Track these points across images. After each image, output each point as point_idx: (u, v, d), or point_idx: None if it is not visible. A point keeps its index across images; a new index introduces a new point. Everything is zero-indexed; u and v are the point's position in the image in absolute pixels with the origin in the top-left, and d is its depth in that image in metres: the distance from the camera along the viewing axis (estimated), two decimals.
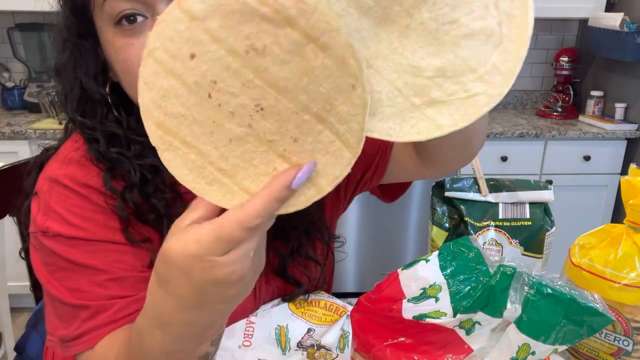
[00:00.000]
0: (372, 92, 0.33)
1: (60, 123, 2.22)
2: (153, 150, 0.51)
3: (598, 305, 0.47)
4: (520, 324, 0.48)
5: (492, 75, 0.32)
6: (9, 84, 2.54)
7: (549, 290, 0.47)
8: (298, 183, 0.37)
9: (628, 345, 0.64)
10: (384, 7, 0.33)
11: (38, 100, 2.32)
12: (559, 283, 0.49)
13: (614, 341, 0.64)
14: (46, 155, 0.69)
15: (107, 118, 0.64)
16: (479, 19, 0.31)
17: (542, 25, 2.81)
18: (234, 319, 0.70)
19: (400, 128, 0.33)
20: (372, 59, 0.34)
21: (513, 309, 0.48)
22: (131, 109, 0.64)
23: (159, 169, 0.64)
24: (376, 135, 0.34)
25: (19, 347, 0.97)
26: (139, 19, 0.56)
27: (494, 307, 0.49)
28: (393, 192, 0.84)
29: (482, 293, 0.49)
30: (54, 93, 2.24)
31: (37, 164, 0.69)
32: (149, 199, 0.64)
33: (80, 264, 0.61)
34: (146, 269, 0.64)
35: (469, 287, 0.50)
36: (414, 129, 0.33)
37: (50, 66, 2.52)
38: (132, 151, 0.64)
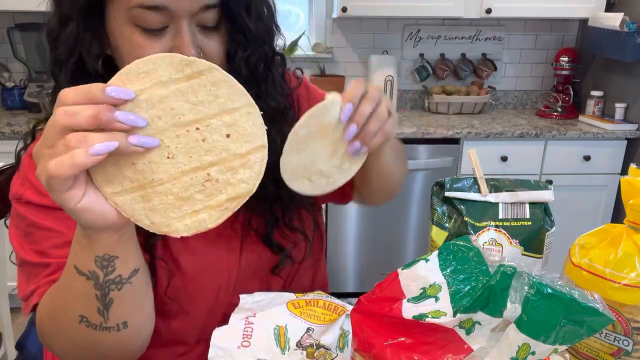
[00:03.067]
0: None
1: None
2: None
3: (598, 305, 0.47)
4: (520, 323, 0.48)
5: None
6: (9, 84, 2.54)
7: (549, 290, 0.47)
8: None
9: (628, 345, 0.63)
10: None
11: (38, 100, 2.32)
12: (559, 283, 0.49)
13: (614, 341, 0.64)
14: (34, 131, 0.75)
15: None
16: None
17: (542, 25, 2.82)
18: (215, 274, 0.75)
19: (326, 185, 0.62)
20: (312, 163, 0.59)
21: (513, 308, 0.48)
22: None
23: None
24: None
25: (20, 345, 0.98)
26: (160, 24, 0.62)
27: (494, 306, 0.49)
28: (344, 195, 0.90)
29: (482, 293, 0.49)
30: None
31: (29, 135, 0.75)
32: None
33: (44, 228, 0.66)
34: None
35: (468, 287, 0.50)
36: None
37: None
38: None
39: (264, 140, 0.48)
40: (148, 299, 0.62)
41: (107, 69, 0.66)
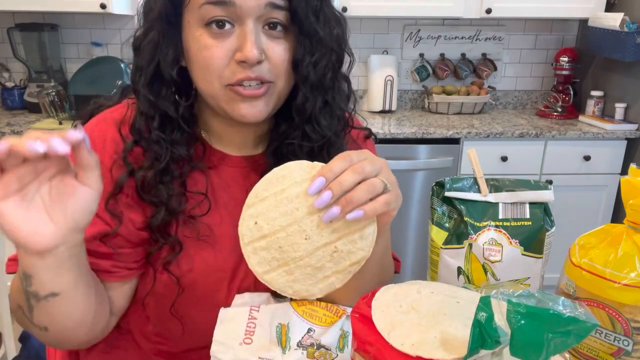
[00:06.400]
0: None
1: (61, 123, 2.22)
2: (188, 145, 0.74)
3: (580, 312, 0.46)
4: (511, 347, 0.47)
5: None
6: (9, 84, 2.54)
7: (525, 310, 0.46)
8: None
9: (628, 345, 0.63)
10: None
11: (38, 100, 2.32)
12: (529, 292, 0.48)
13: (614, 341, 0.64)
14: (95, 108, 0.80)
15: (168, 99, 0.71)
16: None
17: (542, 25, 2.82)
18: (208, 297, 0.74)
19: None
20: None
21: (504, 332, 0.47)
22: (189, 96, 0.73)
23: (183, 161, 0.72)
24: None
25: (23, 338, 0.99)
26: (227, 26, 0.65)
27: (490, 340, 0.47)
28: None
29: (474, 331, 0.48)
30: (54, 93, 2.24)
31: (87, 113, 0.80)
32: (158, 184, 0.70)
33: None
34: (90, 239, 0.70)
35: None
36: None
37: (50, 66, 2.52)
38: (174, 136, 0.72)
39: (374, 218, 0.60)
40: (74, 317, 0.64)
41: (182, 79, 0.71)
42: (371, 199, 0.58)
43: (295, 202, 0.58)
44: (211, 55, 0.66)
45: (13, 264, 0.69)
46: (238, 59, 0.65)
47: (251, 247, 0.60)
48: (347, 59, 0.77)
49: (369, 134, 0.88)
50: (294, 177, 0.59)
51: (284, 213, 0.59)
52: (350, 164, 0.58)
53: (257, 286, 0.76)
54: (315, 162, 0.60)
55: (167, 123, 0.72)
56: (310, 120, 0.73)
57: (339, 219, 0.58)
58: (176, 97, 0.72)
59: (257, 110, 0.69)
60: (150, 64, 0.70)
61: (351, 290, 0.75)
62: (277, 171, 0.60)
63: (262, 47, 0.66)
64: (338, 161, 0.58)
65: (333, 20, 0.72)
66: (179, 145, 0.72)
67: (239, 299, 0.73)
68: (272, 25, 0.67)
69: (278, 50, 0.67)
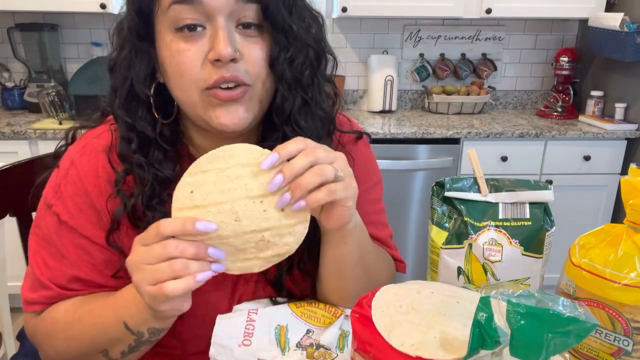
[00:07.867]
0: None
1: (60, 123, 2.22)
2: (173, 163, 0.69)
3: (580, 312, 0.46)
4: (511, 347, 0.47)
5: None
6: (9, 84, 2.54)
7: (525, 310, 0.46)
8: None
9: (628, 345, 0.63)
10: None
11: (38, 100, 2.32)
12: (529, 292, 0.48)
13: (614, 341, 0.64)
14: (75, 129, 0.77)
15: (145, 119, 0.68)
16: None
17: (542, 25, 2.82)
18: (210, 312, 0.72)
19: None
20: None
21: (504, 332, 0.47)
22: (170, 113, 0.70)
23: (170, 181, 0.68)
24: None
25: (21, 336, 0.99)
26: (199, 28, 0.62)
27: (490, 340, 0.47)
28: None
29: (474, 332, 0.48)
30: (54, 93, 2.24)
31: (68, 136, 0.77)
32: (148, 209, 0.68)
33: (60, 252, 0.70)
34: (110, 278, 0.71)
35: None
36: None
37: (50, 66, 2.52)
38: (155, 157, 0.69)
39: (307, 217, 0.60)
40: None
41: (162, 98, 0.69)
42: (321, 186, 0.58)
43: (234, 183, 0.58)
44: (184, 60, 0.62)
45: (35, 307, 0.71)
46: (211, 57, 0.61)
47: (180, 214, 0.59)
48: (330, 63, 0.74)
49: (359, 135, 0.84)
50: (241, 158, 0.58)
51: (221, 190, 0.58)
52: (305, 147, 0.58)
53: (256, 297, 0.76)
54: (266, 150, 0.59)
55: (147, 144, 0.69)
56: (290, 121, 0.69)
57: (291, 204, 0.58)
58: (155, 115, 0.69)
59: (237, 116, 0.65)
60: (125, 83, 0.67)
61: (336, 291, 0.75)
62: (226, 148, 0.59)
63: (237, 46, 0.62)
64: (293, 142, 0.58)
65: (309, 17, 0.69)
66: (163, 165, 0.69)
67: (237, 309, 0.72)
68: (245, 25, 0.63)
69: (254, 50, 0.64)
